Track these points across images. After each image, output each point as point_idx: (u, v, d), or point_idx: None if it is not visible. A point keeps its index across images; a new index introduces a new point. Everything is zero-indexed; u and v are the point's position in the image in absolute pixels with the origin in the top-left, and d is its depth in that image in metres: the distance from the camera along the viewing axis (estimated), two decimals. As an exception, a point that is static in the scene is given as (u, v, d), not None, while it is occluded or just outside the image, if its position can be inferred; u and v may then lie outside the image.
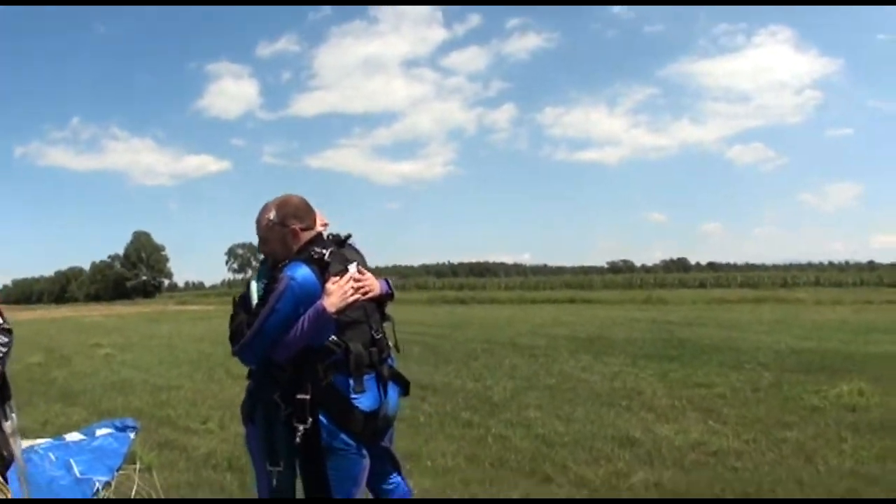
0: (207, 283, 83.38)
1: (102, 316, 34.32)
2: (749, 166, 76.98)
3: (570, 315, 19.62)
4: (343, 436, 2.34)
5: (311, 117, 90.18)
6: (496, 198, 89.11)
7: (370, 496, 2.67)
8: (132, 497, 3.82)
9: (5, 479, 2.59)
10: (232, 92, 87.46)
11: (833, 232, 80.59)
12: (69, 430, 5.28)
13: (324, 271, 2.36)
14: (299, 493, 2.50)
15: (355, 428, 2.35)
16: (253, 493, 2.61)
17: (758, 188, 79.72)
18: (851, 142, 73.36)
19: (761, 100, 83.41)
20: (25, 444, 4.35)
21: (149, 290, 76.55)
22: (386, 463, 2.67)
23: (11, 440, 2.62)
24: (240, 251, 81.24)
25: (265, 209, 2.50)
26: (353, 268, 2.46)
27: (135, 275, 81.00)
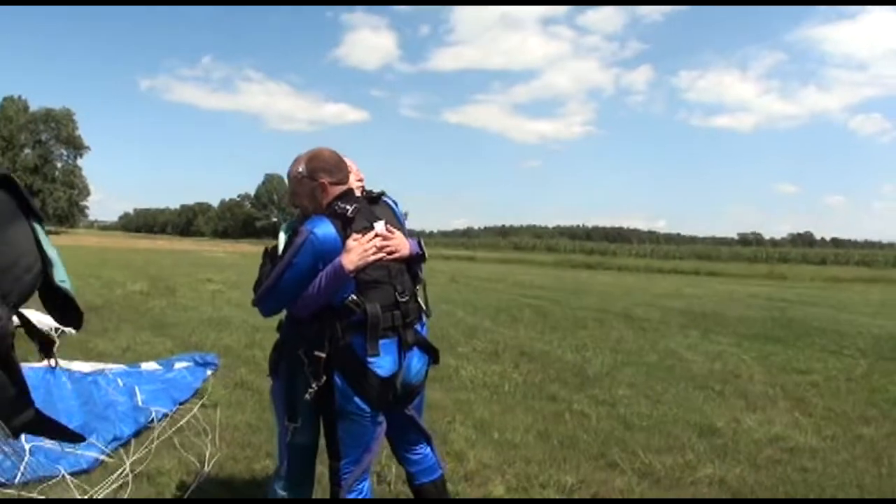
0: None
1: (226, 252, 37.04)
2: (868, 137, 69.04)
3: (691, 287, 19.18)
4: (357, 400, 2.24)
5: (450, 71, 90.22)
6: (634, 161, 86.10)
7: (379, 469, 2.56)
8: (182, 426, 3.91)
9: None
10: (370, 42, 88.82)
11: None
12: (150, 359, 5.55)
13: (346, 227, 2.22)
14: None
15: (370, 393, 2.23)
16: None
17: (879, 160, 71.60)
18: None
19: (876, 68, 73.43)
20: (97, 366, 4.69)
21: (278, 232, 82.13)
22: (410, 431, 2.55)
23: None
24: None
25: (296, 161, 2.41)
26: (379, 225, 2.30)
27: (265, 215, 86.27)
